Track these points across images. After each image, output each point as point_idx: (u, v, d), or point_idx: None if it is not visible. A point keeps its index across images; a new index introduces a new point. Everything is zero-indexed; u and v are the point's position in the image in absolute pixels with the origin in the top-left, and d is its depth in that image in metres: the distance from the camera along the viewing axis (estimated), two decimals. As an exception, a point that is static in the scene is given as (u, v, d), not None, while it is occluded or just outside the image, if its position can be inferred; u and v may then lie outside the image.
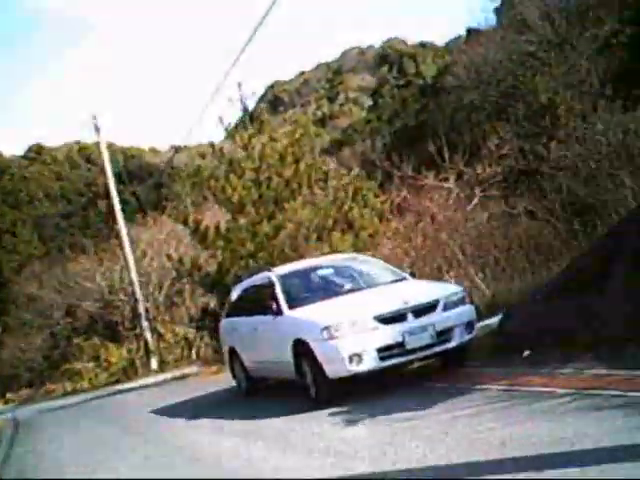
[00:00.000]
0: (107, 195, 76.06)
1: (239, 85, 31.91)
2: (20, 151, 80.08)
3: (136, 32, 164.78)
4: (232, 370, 13.36)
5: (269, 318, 11.05)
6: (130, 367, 36.22)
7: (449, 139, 37.38)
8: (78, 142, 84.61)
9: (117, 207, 33.22)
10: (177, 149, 63.55)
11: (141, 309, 32.62)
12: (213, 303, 31.16)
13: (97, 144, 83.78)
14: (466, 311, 10.33)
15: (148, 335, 32.59)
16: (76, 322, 50.72)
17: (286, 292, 11.06)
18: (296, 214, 22.11)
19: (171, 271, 33.77)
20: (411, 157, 32.74)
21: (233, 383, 14.52)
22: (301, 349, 10.11)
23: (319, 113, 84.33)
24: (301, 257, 21.70)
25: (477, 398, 8.26)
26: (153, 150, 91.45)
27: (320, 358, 9.71)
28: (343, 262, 12.13)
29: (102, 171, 78.89)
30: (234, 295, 13.48)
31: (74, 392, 36.51)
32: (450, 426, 7.24)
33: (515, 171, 32.61)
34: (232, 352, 13.04)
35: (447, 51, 62.24)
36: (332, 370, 9.69)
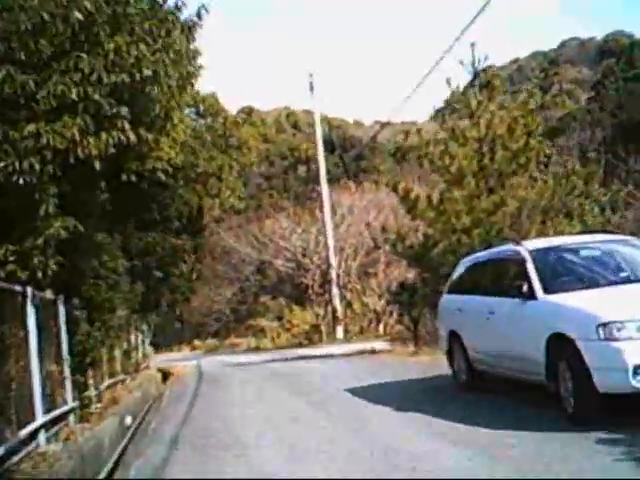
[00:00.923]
0: (307, 160, 76.16)
1: (472, 46, 28.99)
2: (233, 111, 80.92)
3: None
4: (449, 357, 10.94)
5: (514, 302, 8.54)
6: (314, 332, 34.81)
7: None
8: (287, 108, 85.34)
9: (322, 166, 31.53)
10: (383, 124, 61.33)
11: (333, 275, 30.92)
12: (412, 277, 28.98)
13: (306, 111, 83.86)
14: None
15: (337, 302, 30.82)
16: (265, 280, 50.49)
17: (541, 272, 8.48)
18: (520, 191, 19.31)
19: (368, 240, 31.97)
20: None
21: (442, 370, 12.22)
22: (559, 347, 7.57)
23: (531, 102, 78.92)
24: (523, 239, 19.09)
25: None
26: (357, 123, 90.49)
27: (590, 363, 7.11)
28: (610, 245, 9.29)
29: (309, 136, 78.86)
30: (461, 268, 11.02)
31: (257, 349, 35.56)
32: None
33: None
34: (452, 336, 10.62)
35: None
36: (605, 382, 7.08)
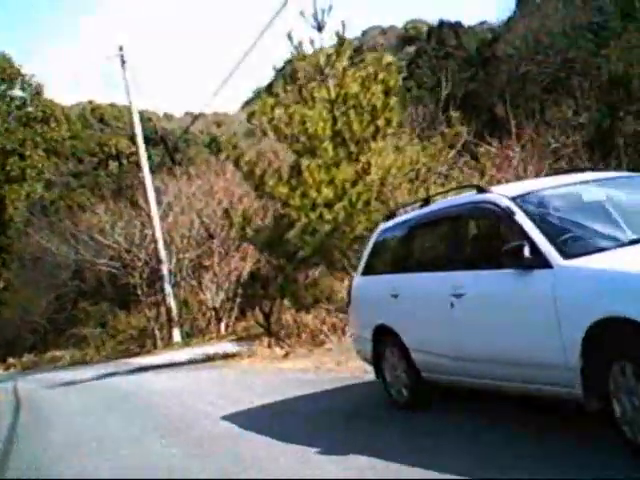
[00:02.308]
0: (118, 156, 70.77)
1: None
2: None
3: None
4: (376, 364, 7.60)
5: (503, 276, 5.42)
6: (146, 337, 30.73)
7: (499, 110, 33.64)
8: (92, 102, 79.14)
9: (142, 149, 27.40)
10: (195, 116, 57.60)
11: (164, 271, 26.95)
12: (249, 266, 25.66)
13: (112, 105, 77.68)
14: None
15: (172, 302, 26.89)
16: (84, 285, 45.63)
17: (546, 228, 5.40)
18: (382, 157, 16.50)
19: (200, 229, 28.29)
20: (470, 124, 27.82)
21: (342, 381, 9.09)
22: (614, 340, 4.53)
23: (386, 57, 76.97)
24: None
25: None
26: (167, 115, 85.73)
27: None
28: (612, 183, 6.36)
29: (117, 130, 73.04)
30: (383, 237, 7.76)
31: (82, 362, 30.97)
32: None
33: (586, 144, 28.52)
34: (382, 334, 7.30)
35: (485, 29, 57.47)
36: None
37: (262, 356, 15.22)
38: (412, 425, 6.56)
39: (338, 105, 17.08)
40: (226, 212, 18.74)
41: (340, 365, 11.03)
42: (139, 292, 28.52)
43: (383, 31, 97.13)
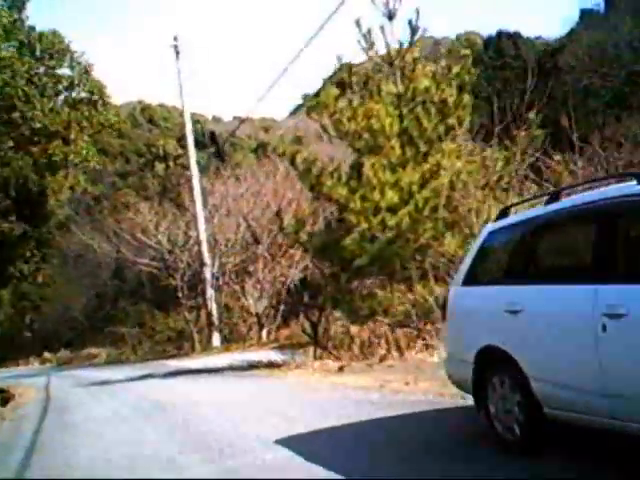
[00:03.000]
0: (165, 157, 69.93)
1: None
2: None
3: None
4: (478, 392, 5.98)
5: None
6: (183, 340, 29.46)
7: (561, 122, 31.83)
8: (141, 102, 78.69)
9: (191, 145, 26.13)
10: (242, 120, 56.47)
11: (207, 274, 25.61)
12: (295, 272, 24.21)
13: (161, 105, 77.25)
14: None
15: (213, 306, 25.54)
16: (124, 285, 44.91)
17: None
18: (452, 160, 14.93)
19: (245, 233, 26.93)
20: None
21: (420, 405, 7.59)
22: None
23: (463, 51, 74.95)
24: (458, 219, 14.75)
25: None
26: (216, 119, 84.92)
27: None
28: None
29: (166, 131, 72.30)
30: (489, 239, 6.20)
31: (118, 361, 29.77)
32: None
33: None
34: (487, 357, 5.74)
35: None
36: None
37: (313, 368, 13.67)
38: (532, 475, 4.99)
39: (406, 101, 15.61)
40: (277, 214, 17.30)
41: (409, 385, 9.49)
42: (179, 294, 27.21)
43: (436, 42, 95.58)
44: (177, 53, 26.25)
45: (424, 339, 12.42)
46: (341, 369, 12.53)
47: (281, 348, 21.69)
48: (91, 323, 44.48)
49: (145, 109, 78.10)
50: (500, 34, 52.60)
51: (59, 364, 36.85)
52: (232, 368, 17.07)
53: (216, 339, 25.22)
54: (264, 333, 25.44)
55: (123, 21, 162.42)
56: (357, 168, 15.46)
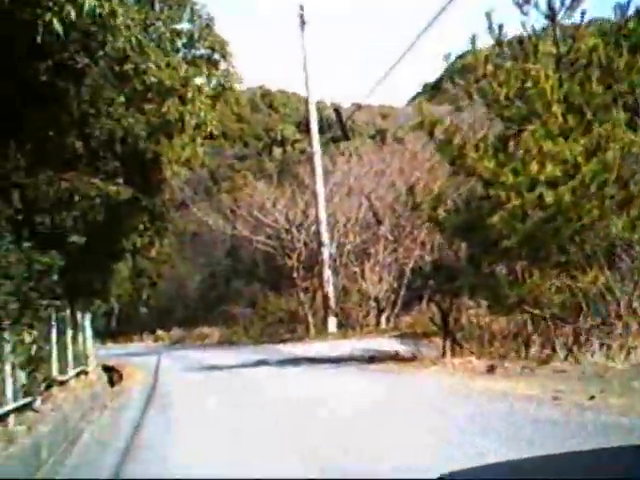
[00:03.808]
0: (283, 142, 69.01)
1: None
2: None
3: None
4: None
5: None
6: (296, 322, 27.72)
7: None
8: (262, 87, 77.77)
9: (313, 115, 24.24)
10: (359, 106, 54.36)
11: (325, 255, 23.73)
12: (418, 255, 21.97)
13: (281, 91, 76.47)
14: None
15: (330, 288, 23.63)
16: (238, 264, 44.09)
17: None
18: (622, 131, 12.36)
19: (367, 213, 24.88)
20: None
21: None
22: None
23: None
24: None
25: None
26: (334, 105, 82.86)
27: None
28: None
29: (284, 117, 71.34)
30: None
31: (230, 342, 28.37)
32: None
33: None
34: None
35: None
36: None
37: (453, 366, 11.44)
38: None
39: (566, 63, 13.15)
40: (411, 189, 15.12)
41: (594, 400, 7.17)
42: (295, 275, 25.41)
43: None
44: (303, 23, 24.43)
45: (598, 338, 9.96)
46: (491, 370, 10.25)
47: (403, 337, 19.62)
48: (204, 302, 43.99)
49: (265, 95, 77.14)
50: None
51: (172, 342, 36.01)
52: (354, 359, 15.13)
53: (332, 323, 23.31)
54: (383, 319, 23.35)
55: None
56: (504, 140, 13.19)
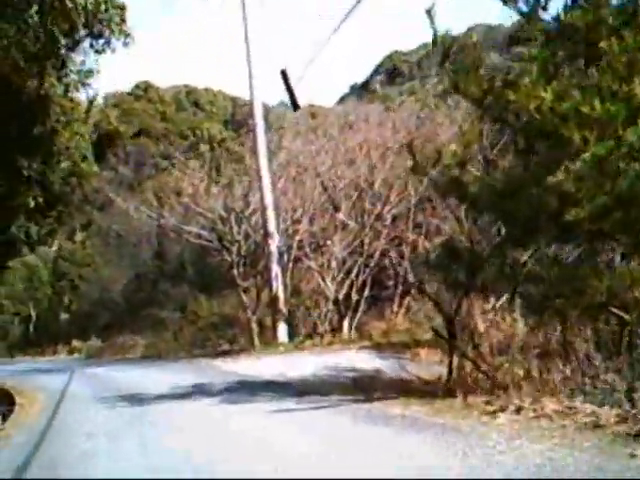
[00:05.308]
0: (210, 140, 63.87)
1: None
2: (127, 88, 66.84)
3: None
4: None
5: None
6: (234, 329, 22.46)
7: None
8: (187, 85, 72.04)
9: (254, 81, 19.01)
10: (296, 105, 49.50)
11: (272, 247, 18.46)
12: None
13: (206, 89, 71.25)
14: None
15: (279, 287, 18.31)
16: (165, 265, 39.64)
17: None
18: None
19: (321, 198, 19.72)
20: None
21: None
22: None
23: (439, 88, 67.51)
24: None
25: None
26: (264, 106, 77.88)
27: None
28: None
29: (210, 115, 66.27)
30: None
31: (157, 355, 22.77)
32: None
33: None
34: None
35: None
36: None
37: (532, 412, 6.32)
38: None
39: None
40: (409, 147, 9.95)
41: None
42: (235, 272, 19.96)
43: (490, 28, 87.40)
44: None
45: None
46: (621, 423, 5.21)
47: (376, 349, 14.65)
48: (130, 306, 39.56)
49: (190, 92, 71.38)
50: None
51: (88, 356, 30.19)
52: (328, 384, 9.98)
53: (282, 331, 18.04)
54: (345, 325, 18.21)
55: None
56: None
